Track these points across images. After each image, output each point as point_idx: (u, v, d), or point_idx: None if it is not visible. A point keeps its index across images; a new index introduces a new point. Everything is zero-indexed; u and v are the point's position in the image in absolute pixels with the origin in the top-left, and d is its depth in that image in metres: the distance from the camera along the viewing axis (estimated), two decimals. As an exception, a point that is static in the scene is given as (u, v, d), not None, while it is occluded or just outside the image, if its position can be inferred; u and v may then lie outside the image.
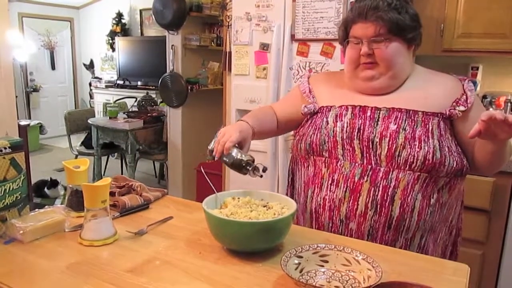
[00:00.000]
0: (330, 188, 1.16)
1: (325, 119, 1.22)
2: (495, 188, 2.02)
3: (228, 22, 2.62)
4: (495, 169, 1.20)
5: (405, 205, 1.11)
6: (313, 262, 0.91)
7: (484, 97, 2.47)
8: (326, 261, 0.92)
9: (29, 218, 1.09)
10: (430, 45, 2.33)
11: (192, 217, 1.23)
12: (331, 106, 1.24)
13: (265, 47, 2.38)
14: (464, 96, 1.18)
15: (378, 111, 1.17)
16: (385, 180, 1.11)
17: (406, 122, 1.14)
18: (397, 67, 1.17)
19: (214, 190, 1.11)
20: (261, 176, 1.12)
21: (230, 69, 2.58)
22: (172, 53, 3.90)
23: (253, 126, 1.23)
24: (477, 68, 2.53)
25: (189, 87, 3.93)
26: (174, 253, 1.00)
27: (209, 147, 1.18)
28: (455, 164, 1.12)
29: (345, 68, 1.26)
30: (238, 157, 1.12)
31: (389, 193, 1.11)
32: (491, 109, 2.33)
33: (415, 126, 1.13)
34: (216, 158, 1.15)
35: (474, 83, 2.44)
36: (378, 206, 1.11)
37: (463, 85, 1.20)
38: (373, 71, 1.18)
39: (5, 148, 1.05)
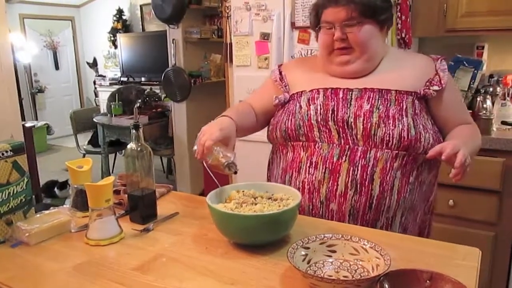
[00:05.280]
0: (309, 170, 1.16)
1: (297, 104, 1.22)
2: (505, 169, 1.98)
3: (228, 13, 2.59)
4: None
5: (385, 183, 1.11)
6: (320, 252, 0.90)
7: (491, 76, 2.42)
8: (334, 251, 0.90)
9: (35, 220, 1.09)
10: (433, 26, 2.28)
11: (198, 212, 1.22)
12: (302, 91, 1.24)
13: (265, 36, 2.35)
14: (437, 77, 1.18)
15: (350, 92, 1.18)
16: (363, 160, 1.11)
17: (379, 101, 1.14)
18: (372, 50, 1.18)
19: (218, 184, 1.10)
20: (235, 172, 1.05)
21: (231, 61, 2.56)
22: (174, 47, 3.87)
23: (236, 122, 1.18)
24: (483, 47, 2.47)
25: (192, 81, 3.91)
26: (181, 249, 1.00)
27: (194, 148, 1.11)
28: (431, 140, 1.13)
29: (319, 54, 1.26)
30: (219, 156, 1.04)
31: (368, 172, 1.11)
32: (498, 88, 2.29)
33: (388, 105, 1.13)
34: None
35: (475, 62, 2.38)
36: (358, 185, 1.11)
37: (435, 65, 1.21)
38: (348, 56, 1.18)
39: (6, 152, 1.04)
